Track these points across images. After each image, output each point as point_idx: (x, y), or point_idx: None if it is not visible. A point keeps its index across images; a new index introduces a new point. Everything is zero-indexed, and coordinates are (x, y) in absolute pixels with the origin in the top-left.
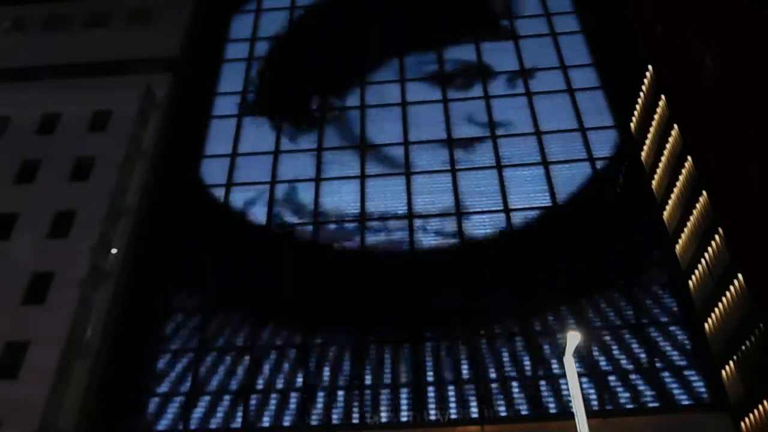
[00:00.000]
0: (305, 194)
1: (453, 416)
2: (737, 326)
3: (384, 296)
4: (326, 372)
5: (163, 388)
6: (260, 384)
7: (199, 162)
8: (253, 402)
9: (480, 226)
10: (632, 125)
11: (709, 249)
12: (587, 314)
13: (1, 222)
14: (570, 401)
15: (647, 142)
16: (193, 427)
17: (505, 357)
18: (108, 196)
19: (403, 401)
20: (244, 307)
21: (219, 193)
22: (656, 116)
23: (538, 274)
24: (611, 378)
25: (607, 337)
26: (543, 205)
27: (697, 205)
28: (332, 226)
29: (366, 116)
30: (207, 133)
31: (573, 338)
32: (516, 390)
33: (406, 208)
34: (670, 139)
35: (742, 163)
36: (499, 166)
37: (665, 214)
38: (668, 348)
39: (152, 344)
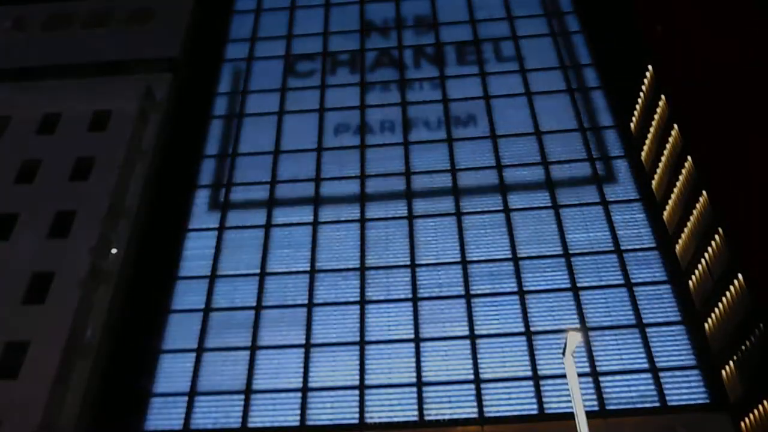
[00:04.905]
0: None
1: (453, 416)
2: (737, 326)
3: None
4: (326, 372)
5: (164, 388)
6: (260, 384)
7: (199, 162)
8: (253, 402)
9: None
10: (632, 125)
11: (709, 249)
12: (587, 314)
13: (1, 222)
14: (570, 401)
15: (647, 142)
16: (193, 427)
17: (505, 356)
18: (108, 196)
19: (404, 400)
20: (244, 307)
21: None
22: (656, 116)
23: (537, 273)
24: (611, 378)
25: (608, 337)
26: (543, 205)
27: (697, 205)
28: None
29: None
30: (207, 133)
31: (572, 338)
32: (516, 389)
33: None
34: (670, 139)
35: (742, 163)
36: (499, 166)
37: (665, 214)
38: (668, 348)
39: (152, 344)
